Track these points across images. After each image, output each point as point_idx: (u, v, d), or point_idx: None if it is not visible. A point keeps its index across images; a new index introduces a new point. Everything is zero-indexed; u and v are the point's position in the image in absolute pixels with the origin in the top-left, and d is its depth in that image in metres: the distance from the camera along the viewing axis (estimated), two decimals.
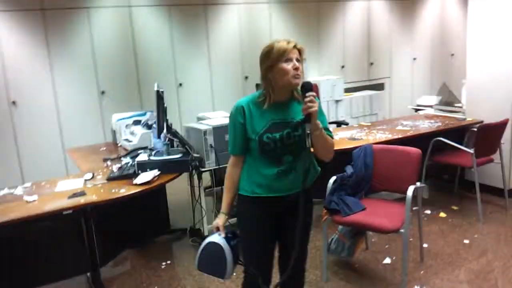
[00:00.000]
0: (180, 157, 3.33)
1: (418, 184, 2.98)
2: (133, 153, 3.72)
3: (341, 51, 7.55)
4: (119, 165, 3.39)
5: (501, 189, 4.22)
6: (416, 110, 5.60)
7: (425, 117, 4.80)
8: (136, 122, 4.26)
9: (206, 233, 3.74)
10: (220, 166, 3.55)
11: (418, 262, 3.28)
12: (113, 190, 2.86)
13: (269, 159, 2.00)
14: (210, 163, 3.56)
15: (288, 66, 1.91)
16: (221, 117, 3.93)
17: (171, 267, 3.44)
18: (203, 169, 3.54)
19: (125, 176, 3.13)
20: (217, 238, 2.07)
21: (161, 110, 3.31)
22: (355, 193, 3.17)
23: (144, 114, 4.34)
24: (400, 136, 4.01)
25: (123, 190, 2.86)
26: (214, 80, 6.42)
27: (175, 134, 3.44)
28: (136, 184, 2.96)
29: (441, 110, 5.01)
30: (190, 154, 3.38)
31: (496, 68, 4.28)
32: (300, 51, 1.95)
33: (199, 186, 3.67)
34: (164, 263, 3.49)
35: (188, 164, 3.31)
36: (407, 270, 2.92)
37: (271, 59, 1.94)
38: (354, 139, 4.00)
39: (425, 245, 3.47)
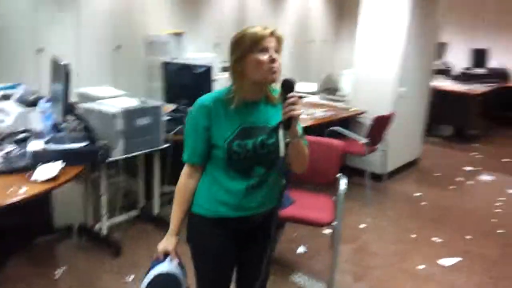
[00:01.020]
0: (86, 146, 2.78)
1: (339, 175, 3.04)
2: (11, 137, 2.97)
3: (217, 29, 7.33)
4: None
5: (378, 174, 4.66)
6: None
7: (312, 105, 4.96)
8: (5, 97, 3.42)
9: (105, 232, 3.25)
10: (130, 155, 3.10)
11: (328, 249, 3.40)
12: (11, 189, 2.22)
13: (237, 171, 1.66)
14: (118, 152, 3.07)
15: (263, 57, 1.56)
16: (124, 97, 3.42)
17: (68, 275, 2.89)
18: (110, 159, 3.03)
19: (16, 169, 2.47)
20: (169, 266, 1.68)
21: (67, 88, 2.69)
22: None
23: (13, 87, 3.52)
24: (303, 125, 4.04)
25: (25, 189, 2.25)
26: (83, 47, 5.58)
27: (81, 117, 2.85)
28: (36, 181, 2.36)
29: (326, 98, 5.24)
30: (96, 142, 2.85)
31: (382, 62, 4.62)
32: (278, 40, 1.61)
33: (102, 178, 3.15)
34: (57, 271, 2.92)
35: (97, 154, 2.79)
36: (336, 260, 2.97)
37: (242, 48, 1.58)
38: None
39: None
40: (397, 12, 4.45)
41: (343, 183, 2.87)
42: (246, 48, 1.58)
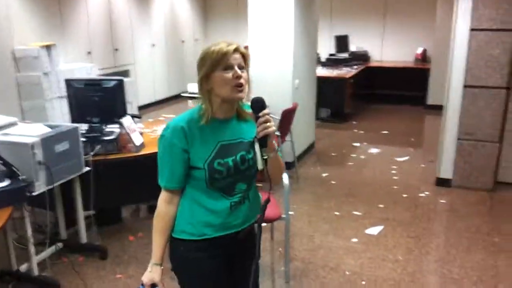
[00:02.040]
0: (9, 185, 2.45)
1: None
2: None
3: (86, 36, 6.86)
4: None
5: (288, 163, 4.91)
6: (191, 97, 5.75)
7: None
8: None
9: (35, 271, 2.91)
10: (53, 186, 2.80)
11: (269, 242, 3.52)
12: None
13: (219, 190, 1.63)
14: (40, 185, 2.74)
15: (228, 74, 1.54)
16: (35, 124, 3.05)
17: None
18: (34, 193, 2.70)
19: None
20: None
21: None
22: None
23: None
24: None
25: None
26: None
27: None
28: None
29: None
30: (17, 178, 2.52)
31: (276, 58, 4.82)
32: (243, 56, 1.59)
33: (26, 215, 2.79)
34: None
35: (24, 192, 2.48)
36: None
37: (207, 65, 1.56)
38: None
39: None
40: (283, 9, 4.67)
41: (285, 178, 2.98)
42: (211, 65, 1.56)
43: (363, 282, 3.00)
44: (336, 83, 7.01)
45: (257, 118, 1.56)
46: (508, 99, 4.20)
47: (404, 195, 4.39)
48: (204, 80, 1.58)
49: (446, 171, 4.53)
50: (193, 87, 5.97)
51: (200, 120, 1.59)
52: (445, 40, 7.66)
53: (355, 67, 8.06)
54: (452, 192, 4.42)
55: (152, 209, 3.92)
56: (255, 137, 1.59)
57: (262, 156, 1.60)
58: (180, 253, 1.67)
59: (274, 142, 1.63)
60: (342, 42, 8.67)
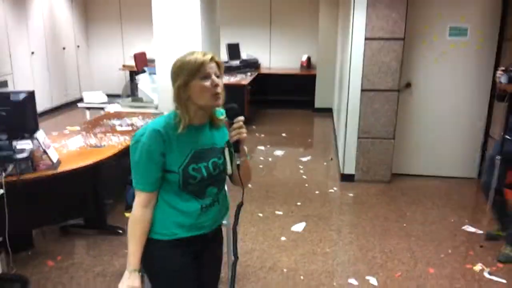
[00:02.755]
0: None
1: None
2: None
3: None
4: None
5: None
6: (88, 108, 5.43)
7: (117, 115, 4.77)
8: None
9: None
10: None
11: None
12: None
13: (191, 193, 1.70)
14: None
15: (206, 83, 1.61)
16: None
17: None
18: None
19: None
20: None
21: None
22: None
23: None
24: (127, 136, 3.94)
25: None
26: None
27: None
28: None
29: (131, 106, 5.11)
30: None
31: None
32: (218, 65, 1.67)
33: None
34: None
35: None
36: None
37: (185, 74, 1.61)
38: (98, 146, 3.62)
39: None
40: (190, 15, 4.66)
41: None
42: (189, 74, 1.61)
43: (301, 277, 3.15)
44: (235, 90, 7.18)
45: (231, 124, 1.66)
46: (398, 100, 4.75)
47: (317, 192, 4.69)
48: (182, 88, 1.62)
49: (350, 167, 4.96)
50: (90, 96, 5.62)
51: (177, 127, 1.63)
52: (327, 49, 8.39)
53: (249, 74, 8.34)
54: (356, 186, 4.84)
55: (64, 229, 3.66)
56: (227, 142, 1.70)
57: (235, 160, 1.71)
58: (151, 252, 1.70)
59: (245, 147, 1.73)
60: (233, 50, 8.90)
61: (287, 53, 9.35)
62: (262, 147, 6.36)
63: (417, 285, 3.08)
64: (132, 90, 5.23)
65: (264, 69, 9.29)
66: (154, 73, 5.16)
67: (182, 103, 1.63)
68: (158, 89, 4.99)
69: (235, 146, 1.69)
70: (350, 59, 4.72)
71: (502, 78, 3.14)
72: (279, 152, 6.11)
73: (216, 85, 1.62)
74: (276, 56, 9.49)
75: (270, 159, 5.86)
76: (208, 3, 4.92)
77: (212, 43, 5.23)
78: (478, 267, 3.27)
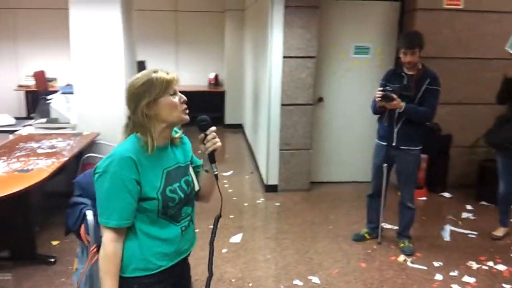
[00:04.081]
0: None
1: None
2: None
3: None
4: None
5: None
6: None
7: (30, 138, 4.48)
8: None
9: None
10: None
11: None
12: None
13: (168, 218, 1.64)
14: None
15: (175, 99, 1.61)
16: None
17: None
18: None
19: None
20: None
21: None
22: None
23: None
24: (65, 159, 3.75)
25: None
26: None
27: None
28: None
29: (47, 128, 4.82)
30: None
31: (106, 82, 4.68)
32: (177, 83, 1.68)
33: None
34: None
35: None
36: None
37: (155, 92, 1.57)
38: (25, 170, 3.39)
39: None
40: (111, 34, 4.60)
41: None
42: (158, 92, 1.58)
43: (250, 284, 3.28)
44: None
45: (205, 135, 1.68)
46: (314, 113, 5.15)
47: (246, 204, 4.87)
48: (150, 106, 1.57)
49: (273, 178, 5.22)
50: (3, 119, 5.21)
51: (145, 150, 1.57)
52: (235, 66, 8.68)
53: None
54: (280, 196, 5.11)
55: None
56: (207, 153, 1.70)
57: (212, 171, 1.73)
58: None
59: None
60: (140, 67, 8.74)
61: (194, 70, 9.46)
62: None
63: (354, 279, 3.39)
64: (41, 111, 4.90)
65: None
66: (70, 93, 4.94)
67: (148, 122, 1.59)
68: (75, 109, 4.78)
69: (212, 157, 1.71)
70: (270, 76, 5.01)
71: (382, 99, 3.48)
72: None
73: (185, 101, 1.65)
74: (184, 73, 9.53)
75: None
76: (127, 21, 4.88)
77: (130, 62, 5.17)
78: (401, 258, 3.69)
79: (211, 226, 1.82)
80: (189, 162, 1.78)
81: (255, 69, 6.46)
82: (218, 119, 9.01)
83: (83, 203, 2.81)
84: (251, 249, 3.82)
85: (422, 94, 3.56)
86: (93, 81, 4.66)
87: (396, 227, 4.07)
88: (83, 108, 4.72)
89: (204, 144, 1.68)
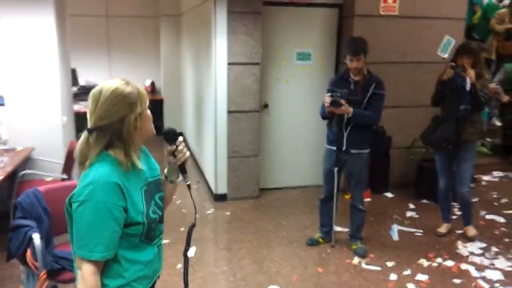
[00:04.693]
0: None
1: None
2: None
3: None
4: None
5: None
6: None
7: None
8: None
9: None
10: None
11: None
12: None
13: (146, 239, 1.55)
14: None
15: (149, 112, 1.57)
16: None
17: None
18: None
19: None
20: None
21: None
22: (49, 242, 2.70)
23: None
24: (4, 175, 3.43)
25: None
26: None
27: None
28: None
29: None
30: None
31: (41, 95, 4.36)
32: None
33: None
34: None
35: None
36: None
37: (143, 104, 1.51)
38: None
39: None
40: (45, 38, 4.28)
41: None
42: (144, 104, 1.53)
43: None
44: (83, 118, 6.71)
45: (176, 146, 1.64)
46: (260, 120, 5.13)
47: (198, 215, 4.72)
48: (137, 121, 1.48)
49: (222, 187, 5.13)
50: None
51: (122, 170, 1.47)
52: (172, 73, 8.51)
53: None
54: (230, 204, 5.02)
55: None
56: (177, 164, 1.66)
57: (185, 181, 1.71)
58: None
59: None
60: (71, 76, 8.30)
61: (130, 77, 8.99)
62: None
63: (313, 284, 3.39)
64: None
65: None
66: (0, 105, 4.53)
67: (132, 137, 1.48)
68: (6, 122, 4.40)
69: (183, 168, 1.68)
70: (215, 83, 4.91)
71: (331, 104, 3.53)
72: None
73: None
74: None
75: None
76: (61, 27, 4.58)
77: (65, 70, 4.86)
78: (355, 260, 3.75)
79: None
80: (159, 176, 1.69)
81: (197, 76, 6.33)
82: (156, 128, 8.73)
83: (27, 226, 2.61)
84: (206, 262, 3.71)
85: (369, 99, 3.66)
86: (26, 92, 4.33)
87: (347, 230, 4.14)
88: (15, 121, 4.35)
89: (175, 156, 1.64)
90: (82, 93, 8.22)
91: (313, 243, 4.03)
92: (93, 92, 1.50)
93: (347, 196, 4.87)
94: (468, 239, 4.10)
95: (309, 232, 4.25)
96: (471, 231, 4.14)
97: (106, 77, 9.04)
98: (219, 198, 5.12)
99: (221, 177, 5.10)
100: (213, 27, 4.83)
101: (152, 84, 9.07)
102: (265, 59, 5.09)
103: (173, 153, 1.65)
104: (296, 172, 5.55)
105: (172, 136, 1.65)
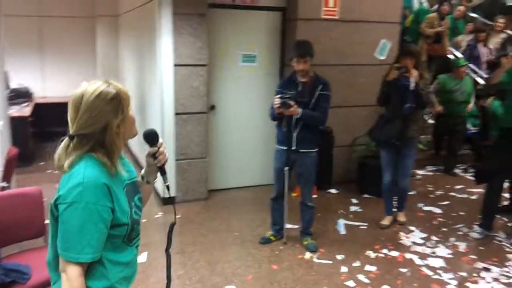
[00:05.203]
0: None
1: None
2: None
3: None
4: None
5: None
6: None
7: None
8: None
9: None
10: None
11: None
12: None
13: (127, 241, 1.55)
14: None
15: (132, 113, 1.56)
16: None
17: None
18: None
19: None
20: None
21: None
22: None
23: None
24: None
25: None
26: None
27: None
28: None
29: None
30: None
31: None
32: None
33: None
34: None
35: None
36: None
37: (126, 107, 1.50)
38: None
39: None
40: None
41: None
42: (127, 107, 1.52)
43: None
44: (18, 122, 6.36)
45: (158, 148, 1.67)
46: (208, 121, 5.13)
47: (144, 220, 4.63)
48: (121, 123, 1.48)
49: (171, 190, 5.05)
50: None
51: (108, 171, 1.46)
52: (111, 75, 8.23)
53: (24, 104, 7.47)
54: (180, 207, 4.97)
55: None
56: (157, 166, 1.68)
57: (165, 182, 1.72)
58: None
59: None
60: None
61: (63, 80, 8.69)
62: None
63: (269, 282, 3.46)
64: None
65: (39, 99, 8.43)
66: None
67: (115, 144, 1.48)
68: None
69: (163, 169, 1.70)
70: (161, 85, 4.85)
71: (281, 105, 3.62)
72: None
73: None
74: (51, 84, 8.74)
75: None
76: None
77: None
78: (307, 255, 3.88)
79: None
80: (135, 178, 1.69)
81: (140, 78, 6.21)
82: None
83: None
84: (160, 267, 3.66)
85: (316, 100, 3.79)
86: None
87: (297, 226, 4.26)
88: None
89: (155, 158, 1.65)
90: (14, 96, 7.79)
91: (265, 241, 4.11)
92: (73, 97, 1.46)
93: (294, 194, 5.02)
94: (400, 223, 4.47)
95: (261, 231, 4.32)
96: (402, 217, 4.54)
97: (39, 78, 8.63)
98: (168, 201, 5.05)
99: (170, 180, 5.01)
100: (158, 28, 4.77)
101: None
102: (211, 60, 5.10)
103: (153, 155, 1.65)
104: (245, 172, 5.61)
105: (153, 138, 1.66)
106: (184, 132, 4.99)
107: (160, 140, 1.68)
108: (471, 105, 6.18)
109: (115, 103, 1.46)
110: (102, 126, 1.44)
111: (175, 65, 4.81)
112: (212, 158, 5.36)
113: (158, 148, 1.66)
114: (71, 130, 1.44)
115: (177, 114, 4.93)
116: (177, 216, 4.74)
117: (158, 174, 1.74)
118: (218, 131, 5.40)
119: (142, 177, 1.73)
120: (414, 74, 3.92)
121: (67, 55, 8.66)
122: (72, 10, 8.49)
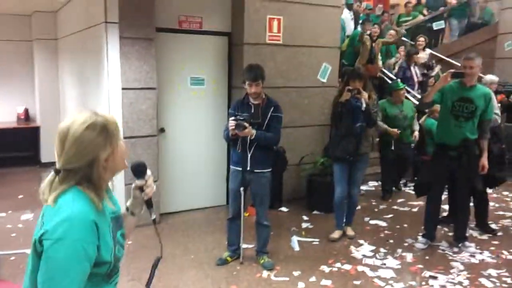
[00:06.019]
0: None
1: None
2: None
3: None
4: None
5: None
6: None
7: None
8: None
9: None
10: None
11: None
12: None
13: (106, 277, 1.49)
14: None
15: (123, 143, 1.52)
16: None
17: None
18: None
19: None
20: None
21: None
22: None
23: None
24: None
25: None
26: None
27: None
28: None
29: None
30: None
31: None
32: None
33: None
34: None
35: None
36: None
37: (114, 141, 1.46)
38: None
39: None
40: None
41: None
42: (116, 139, 1.47)
43: None
44: None
45: (145, 182, 1.65)
46: (158, 144, 5.10)
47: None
48: (110, 156, 1.44)
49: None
50: None
51: (95, 208, 1.41)
52: (50, 99, 8.00)
53: None
54: (132, 233, 4.85)
55: None
56: (145, 200, 1.68)
57: (151, 216, 1.72)
58: None
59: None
60: None
61: (0, 104, 8.29)
62: (2, 214, 5.50)
63: None
64: None
65: None
66: None
67: (102, 179, 1.44)
68: None
69: (149, 202, 1.67)
70: (108, 109, 4.78)
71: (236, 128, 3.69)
72: (28, 216, 5.44)
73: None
74: None
75: (20, 225, 5.16)
76: None
77: None
78: (265, 273, 3.94)
79: None
80: (120, 212, 1.64)
81: (84, 102, 6.05)
82: (31, 158, 8.07)
83: None
84: None
85: (268, 121, 3.92)
86: None
87: (252, 246, 4.32)
88: None
89: (143, 190, 1.62)
90: None
91: (222, 262, 4.12)
92: (60, 130, 1.41)
93: (247, 214, 5.07)
94: (349, 237, 4.68)
95: (217, 252, 4.33)
96: (350, 230, 4.77)
97: None
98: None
99: (120, 205, 4.91)
100: (105, 52, 4.73)
101: (26, 111, 8.38)
102: (160, 83, 5.11)
103: (141, 188, 1.62)
104: (196, 194, 5.60)
105: (142, 170, 1.62)
106: (133, 155, 4.90)
107: (149, 172, 1.63)
108: (416, 133, 6.09)
109: (103, 135, 1.42)
110: (90, 160, 1.40)
111: (123, 89, 4.77)
112: (164, 180, 5.31)
113: (146, 181, 1.63)
114: (57, 164, 1.40)
115: (125, 137, 4.85)
116: (128, 242, 4.63)
117: (144, 207, 1.71)
118: (168, 154, 5.38)
119: (127, 209, 1.70)
120: (364, 95, 4.20)
121: (3, 79, 8.23)
122: (7, 33, 8.13)
